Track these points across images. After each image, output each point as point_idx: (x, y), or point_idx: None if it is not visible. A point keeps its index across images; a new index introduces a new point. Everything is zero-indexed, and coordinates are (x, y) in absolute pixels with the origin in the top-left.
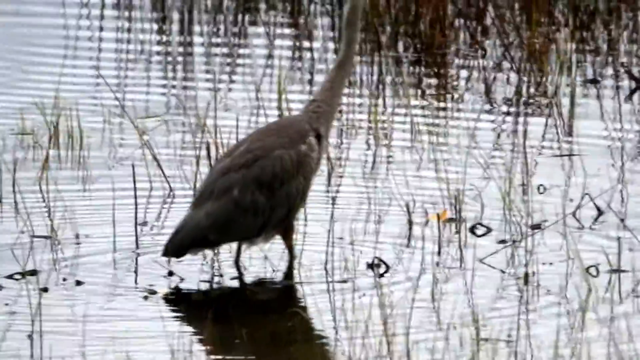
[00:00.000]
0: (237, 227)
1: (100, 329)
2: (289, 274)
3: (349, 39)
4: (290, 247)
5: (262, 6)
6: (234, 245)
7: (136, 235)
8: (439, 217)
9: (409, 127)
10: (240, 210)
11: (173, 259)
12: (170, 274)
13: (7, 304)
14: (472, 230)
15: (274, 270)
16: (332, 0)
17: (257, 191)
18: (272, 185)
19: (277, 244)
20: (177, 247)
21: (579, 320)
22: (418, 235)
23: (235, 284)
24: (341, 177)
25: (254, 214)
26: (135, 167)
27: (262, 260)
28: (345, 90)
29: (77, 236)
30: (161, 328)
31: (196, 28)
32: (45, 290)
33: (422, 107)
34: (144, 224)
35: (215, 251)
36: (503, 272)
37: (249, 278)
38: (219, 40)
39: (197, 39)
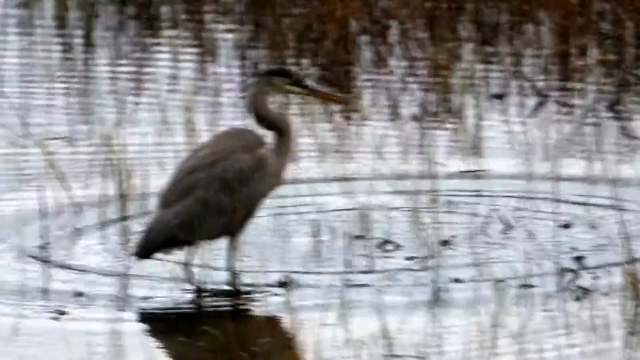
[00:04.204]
0: (204, 226)
1: (9, 350)
2: (230, 271)
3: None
4: (234, 248)
5: (166, 24)
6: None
7: (44, 256)
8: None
9: (315, 144)
10: (206, 210)
11: (145, 260)
12: (79, 294)
13: None
14: (381, 246)
15: (183, 290)
16: (236, 17)
17: (220, 191)
18: (234, 186)
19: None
20: (147, 247)
21: (489, 335)
22: (326, 252)
23: (144, 305)
24: None
25: (219, 213)
26: (41, 188)
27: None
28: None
29: None
30: (69, 349)
31: (99, 47)
32: None
33: (328, 125)
34: (52, 244)
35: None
36: (412, 289)
37: (157, 301)
38: (122, 59)
39: (100, 59)
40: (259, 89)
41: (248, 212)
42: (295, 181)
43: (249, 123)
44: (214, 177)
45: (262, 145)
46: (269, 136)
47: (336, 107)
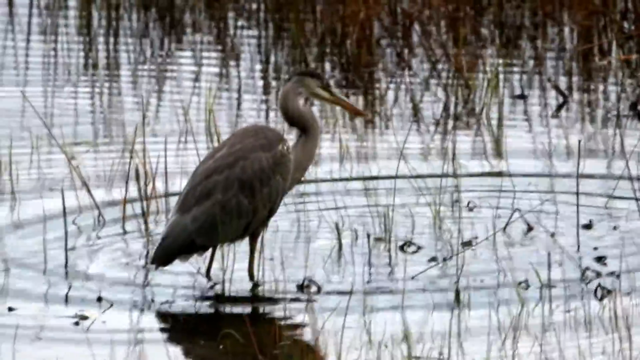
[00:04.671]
0: (224, 230)
1: (32, 354)
2: (250, 273)
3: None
4: (254, 249)
5: (188, 28)
6: (208, 253)
7: (66, 261)
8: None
9: (337, 146)
10: (225, 213)
11: (161, 267)
12: (100, 299)
13: None
14: (402, 248)
15: (203, 294)
16: (258, 20)
17: (239, 193)
18: (254, 186)
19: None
20: (165, 254)
21: (511, 336)
22: (348, 254)
23: (164, 309)
24: None
25: (238, 215)
26: (64, 192)
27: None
28: (273, 110)
29: (6, 262)
30: (92, 354)
31: (122, 51)
32: None
33: (350, 126)
34: (74, 249)
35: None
36: (434, 289)
37: (174, 305)
38: (145, 63)
39: (123, 63)
40: (291, 86)
41: (269, 211)
42: (317, 183)
43: (270, 124)
44: (233, 178)
45: (281, 142)
46: (288, 132)
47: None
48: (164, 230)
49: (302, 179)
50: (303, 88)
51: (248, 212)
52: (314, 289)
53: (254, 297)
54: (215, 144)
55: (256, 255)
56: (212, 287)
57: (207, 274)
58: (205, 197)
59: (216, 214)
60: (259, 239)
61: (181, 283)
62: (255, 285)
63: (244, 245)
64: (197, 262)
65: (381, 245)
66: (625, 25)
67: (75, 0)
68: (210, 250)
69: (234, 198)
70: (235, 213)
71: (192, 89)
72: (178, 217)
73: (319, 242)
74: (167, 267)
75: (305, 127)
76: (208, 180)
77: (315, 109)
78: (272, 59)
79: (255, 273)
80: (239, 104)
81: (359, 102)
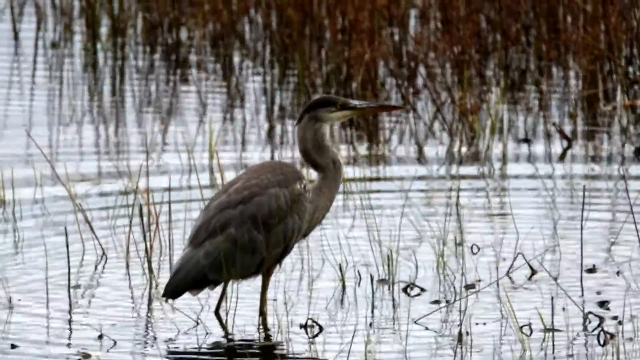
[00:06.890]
0: (236, 266)
1: None
2: (261, 311)
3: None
4: (266, 286)
5: (194, 68)
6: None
7: (69, 298)
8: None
9: (341, 187)
10: (238, 249)
11: (170, 300)
12: (101, 337)
13: None
14: (406, 290)
15: (207, 333)
16: (264, 61)
17: (253, 228)
18: (269, 222)
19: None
20: (176, 287)
21: None
22: (351, 296)
23: (168, 347)
24: None
25: (252, 252)
26: (67, 231)
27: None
28: (277, 151)
29: (10, 300)
30: None
31: (127, 90)
32: None
33: (354, 168)
34: (77, 287)
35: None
36: (437, 332)
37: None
38: (150, 102)
39: (128, 101)
40: (304, 126)
41: (284, 250)
42: (321, 225)
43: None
44: (247, 213)
45: (299, 180)
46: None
47: (365, 149)
48: (176, 263)
49: (320, 220)
50: (318, 122)
51: (262, 248)
52: (316, 329)
53: (257, 337)
54: (219, 183)
55: (266, 295)
56: (219, 325)
57: (217, 312)
58: (218, 231)
59: (229, 248)
60: (272, 278)
61: (184, 321)
62: (260, 324)
63: (249, 284)
64: (200, 300)
65: (384, 287)
66: (630, 70)
67: (81, 37)
68: (221, 287)
69: (247, 234)
70: (248, 249)
71: (196, 128)
72: (190, 251)
73: (323, 283)
74: (171, 306)
75: (322, 167)
76: (221, 214)
77: None
78: (277, 99)
79: (257, 319)
80: (243, 144)
81: (363, 143)
